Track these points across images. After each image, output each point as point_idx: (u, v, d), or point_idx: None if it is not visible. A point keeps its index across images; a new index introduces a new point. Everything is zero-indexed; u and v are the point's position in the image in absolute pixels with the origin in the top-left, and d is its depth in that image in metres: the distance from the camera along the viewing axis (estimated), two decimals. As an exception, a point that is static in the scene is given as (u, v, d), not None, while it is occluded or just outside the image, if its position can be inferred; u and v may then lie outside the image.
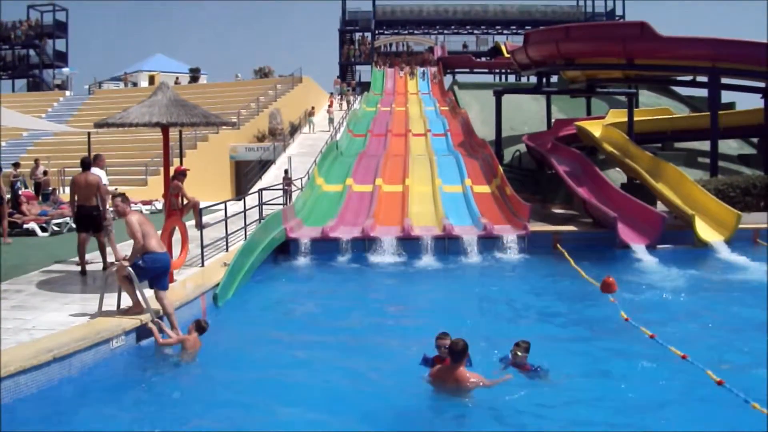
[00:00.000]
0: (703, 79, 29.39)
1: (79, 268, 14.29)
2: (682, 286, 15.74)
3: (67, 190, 30.04)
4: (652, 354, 10.28)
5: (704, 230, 19.82)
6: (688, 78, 31.76)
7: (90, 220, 14.34)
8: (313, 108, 47.72)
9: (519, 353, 9.29)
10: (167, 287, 11.07)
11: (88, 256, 14.45)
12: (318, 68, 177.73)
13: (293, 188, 27.59)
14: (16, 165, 26.67)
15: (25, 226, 20.24)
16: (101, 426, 7.92)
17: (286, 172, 29.81)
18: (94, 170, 14.75)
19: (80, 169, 14.40)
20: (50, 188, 26.75)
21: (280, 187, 23.37)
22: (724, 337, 11.50)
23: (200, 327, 10.72)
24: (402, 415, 8.26)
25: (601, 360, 10.52)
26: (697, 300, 14.58)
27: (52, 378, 8.61)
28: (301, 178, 28.02)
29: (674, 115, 35.03)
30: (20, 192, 23.24)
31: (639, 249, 18.85)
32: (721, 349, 10.60)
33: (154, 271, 10.80)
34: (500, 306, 14.30)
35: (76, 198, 14.29)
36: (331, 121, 44.80)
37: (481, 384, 8.47)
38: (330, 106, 48.72)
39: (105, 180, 15.00)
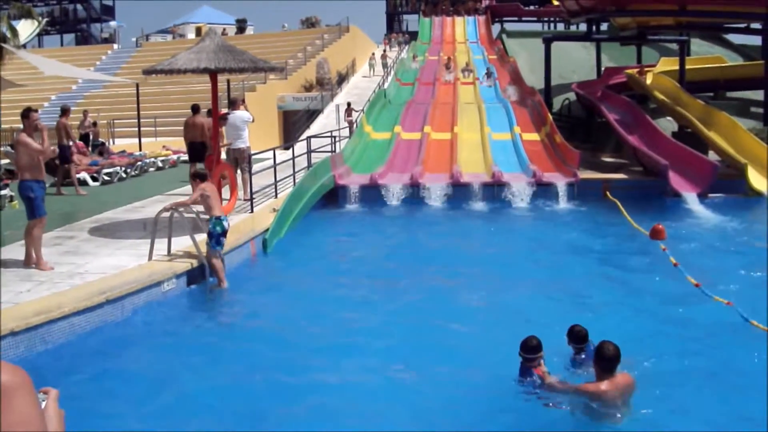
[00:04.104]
0: (757, 26, 28.78)
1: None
2: (733, 234, 15.64)
3: (117, 141, 30.84)
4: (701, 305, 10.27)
5: (757, 179, 19.59)
6: (742, 25, 31.10)
7: (197, 152, 16.83)
8: (373, 53, 49.04)
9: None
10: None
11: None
12: (365, 18, 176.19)
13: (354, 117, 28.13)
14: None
15: (76, 175, 20.61)
16: (151, 365, 8.18)
17: (348, 104, 30.02)
18: (239, 112, 16.29)
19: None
20: (100, 140, 27.10)
21: (328, 135, 23.44)
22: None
23: (199, 174, 11.55)
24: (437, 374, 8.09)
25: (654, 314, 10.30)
26: (747, 249, 14.47)
27: (105, 319, 8.89)
28: (348, 128, 28.16)
29: (727, 64, 34.37)
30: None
31: (690, 197, 18.67)
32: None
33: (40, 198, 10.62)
34: (550, 254, 14.19)
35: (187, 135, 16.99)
36: (385, 66, 45.34)
37: None
38: (385, 50, 49.66)
39: (249, 118, 16.50)
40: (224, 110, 16.15)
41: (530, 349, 7.06)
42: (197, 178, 11.41)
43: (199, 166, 12.04)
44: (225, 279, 10.97)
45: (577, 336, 7.59)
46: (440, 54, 34.23)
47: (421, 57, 42.94)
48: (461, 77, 36.16)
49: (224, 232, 10.98)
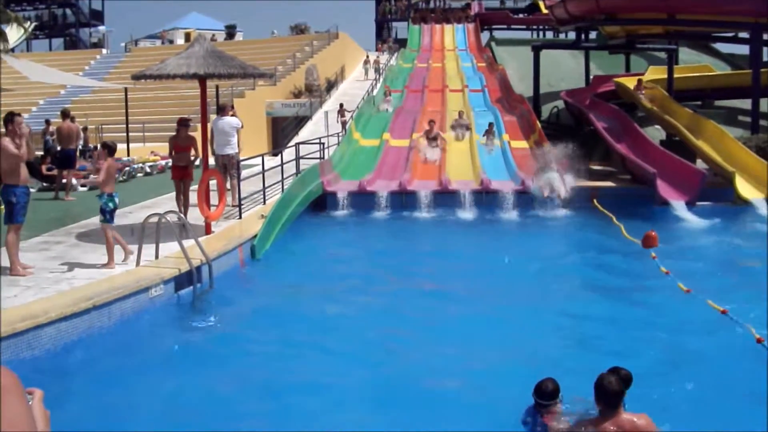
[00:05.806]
0: (745, 35, 28.93)
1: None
2: (721, 242, 15.71)
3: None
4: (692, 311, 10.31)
5: (744, 188, 19.60)
6: (730, 34, 31.25)
7: (70, 160, 18.89)
8: (367, 56, 49.90)
9: None
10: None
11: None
12: (354, 25, 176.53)
13: (347, 118, 28.39)
14: (48, 122, 27.28)
15: (63, 180, 20.53)
16: (138, 371, 8.13)
17: (341, 105, 30.10)
18: (228, 118, 16.30)
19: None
20: (91, 145, 27.06)
21: (317, 141, 23.39)
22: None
23: (108, 146, 11.96)
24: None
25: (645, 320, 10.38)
26: (735, 256, 14.55)
27: (92, 325, 8.84)
28: (338, 134, 28.11)
29: (715, 72, 34.51)
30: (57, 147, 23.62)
31: (678, 205, 18.72)
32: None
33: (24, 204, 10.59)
34: (538, 263, 14.09)
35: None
36: (376, 70, 46.15)
37: None
38: (379, 55, 51.25)
39: (238, 124, 16.52)
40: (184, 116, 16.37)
41: (544, 394, 6.22)
42: (106, 148, 11.87)
43: (109, 142, 12.35)
44: (127, 248, 11.40)
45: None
46: (417, 116, 28.39)
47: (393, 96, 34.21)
48: (452, 137, 25.93)
49: (116, 208, 11.43)
